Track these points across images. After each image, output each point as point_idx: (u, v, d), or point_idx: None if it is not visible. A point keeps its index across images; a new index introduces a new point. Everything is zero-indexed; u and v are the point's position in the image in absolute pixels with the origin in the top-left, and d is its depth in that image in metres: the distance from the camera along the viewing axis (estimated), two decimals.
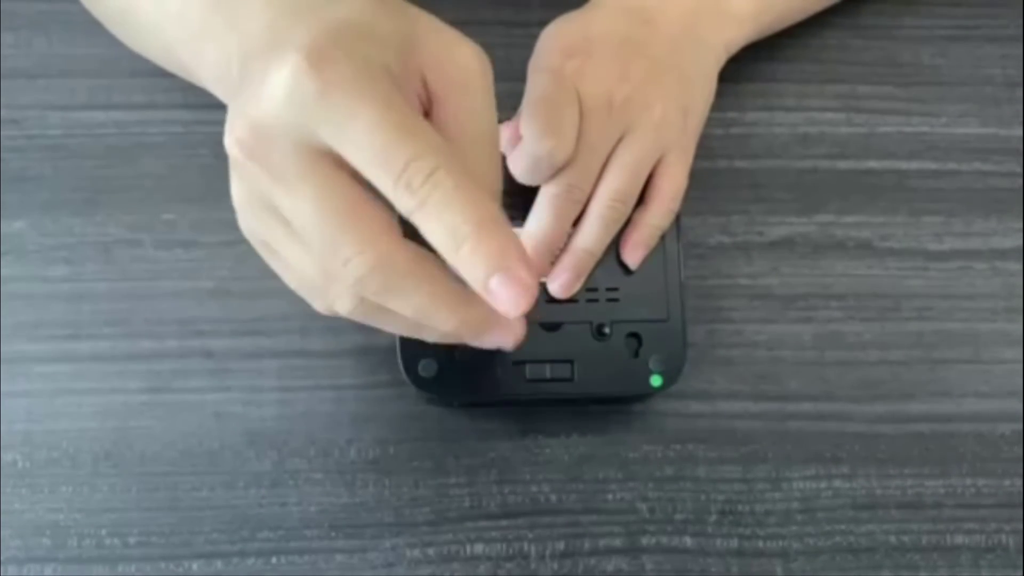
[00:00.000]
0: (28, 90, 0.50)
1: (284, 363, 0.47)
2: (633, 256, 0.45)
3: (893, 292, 0.50)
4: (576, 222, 0.45)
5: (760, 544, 0.46)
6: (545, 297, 0.45)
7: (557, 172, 0.44)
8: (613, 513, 0.46)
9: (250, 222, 0.34)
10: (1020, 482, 0.47)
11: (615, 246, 0.46)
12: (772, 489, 0.47)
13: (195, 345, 0.47)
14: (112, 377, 0.47)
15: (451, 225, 0.30)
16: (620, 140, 0.45)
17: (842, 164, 0.52)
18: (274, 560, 0.45)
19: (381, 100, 0.30)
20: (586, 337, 0.45)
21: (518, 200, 0.45)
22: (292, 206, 0.31)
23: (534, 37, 0.48)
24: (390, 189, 0.30)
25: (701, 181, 0.49)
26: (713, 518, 0.46)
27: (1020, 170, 0.52)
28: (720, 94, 0.49)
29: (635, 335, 0.45)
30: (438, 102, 0.33)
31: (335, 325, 0.46)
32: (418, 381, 0.44)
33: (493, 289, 0.30)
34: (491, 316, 0.34)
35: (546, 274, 0.45)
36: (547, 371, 0.44)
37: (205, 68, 0.38)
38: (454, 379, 0.44)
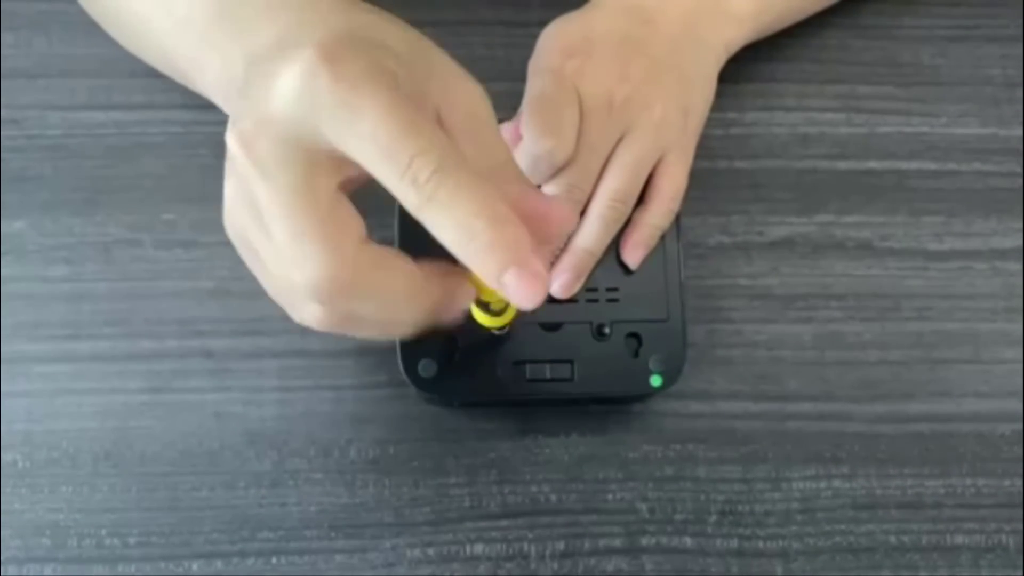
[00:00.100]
0: (28, 90, 0.50)
1: (284, 363, 0.47)
2: (633, 256, 0.45)
3: (893, 292, 0.50)
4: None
5: (760, 544, 0.46)
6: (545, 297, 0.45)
7: (557, 172, 0.44)
8: (613, 513, 0.46)
9: (234, 218, 0.34)
10: (1020, 482, 0.47)
11: (615, 246, 0.46)
12: (772, 489, 0.47)
13: (195, 345, 0.47)
14: (112, 377, 0.47)
15: (462, 220, 0.29)
16: (620, 140, 0.45)
17: (842, 164, 0.52)
18: (274, 560, 0.45)
19: (388, 97, 0.30)
20: (586, 337, 0.45)
21: None
22: (267, 197, 0.31)
23: (534, 37, 0.48)
24: (396, 184, 0.30)
25: (701, 181, 0.49)
26: (713, 518, 0.46)
27: (1020, 170, 0.52)
28: (720, 94, 0.49)
29: (635, 335, 0.45)
30: (454, 138, 0.33)
31: None
32: (418, 381, 0.44)
33: (508, 283, 0.30)
34: (449, 297, 0.34)
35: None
36: (547, 371, 0.44)
37: (208, 76, 0.38)
38: (454, 379, 0.44)
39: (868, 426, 0.48)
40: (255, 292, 0.47)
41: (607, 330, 0.45)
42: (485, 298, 0.37)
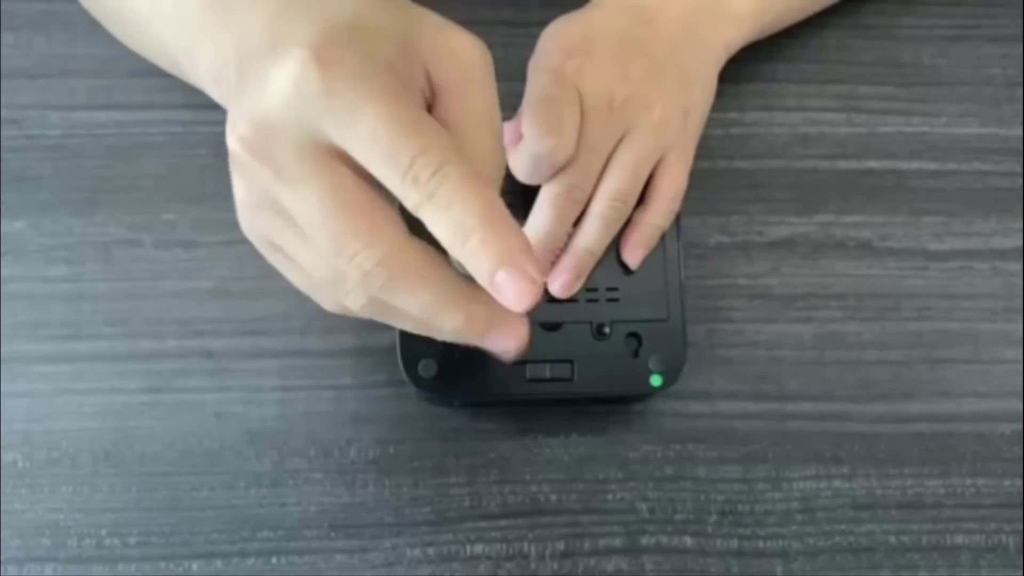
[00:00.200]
0: (28, 90, 0.50)
1: (284, 363, 0.47)
2: (633, 256, 0.45)
3: (893, 292, 0.50)
4: (576, 222, 0.45)
5: (760, 544, 0.46)
6: (545, 297, 0.45)
7: (558, 172, 0.44)
8: (613, 513, 0.46)
9: (253, 221, 0.34)
10: (1020, 482, 0.47)
11: (615, 246, 0.46)
12: (772, 489, 0.47)
13: (195, 345, 0.47)
14: (112, 377, 0.47)
15: (457, 219, 0.29)
16: (621, 140, 0.45)
17: (842, 164, 0.52)
18: (274, 560, 0.45)
19: (387, 96, 0.30)
20: (586, 337, 0.45)
21: (519, 200, 0.45)
22: (297, 203, 0.31)
23: (534, 37, 0.48)
24: (397, 184, 0.30)
25: (701, 181, 0.49)
26: (713, 518, 0.46)
27: (1020, 170, 0.52)
28: (720, 94, 0.49)
29: (635, 335, 0.45)
30: (441, 94, 0.33)
31: (335, 325, 0.46)
32: (418, 381, 0.44)
33: (499, 283, 0.30)
34: (497, 315, 0.33)
35: (546, 274, 0.44)
36: (547, 371, 0.44)
37: (201, 66, 0.38)
38: (454, 379, 0.44)
39: (868, 426, 0.48)
40: (255, 292, 0.48)
41: (607, 330, 0.45)
42: None
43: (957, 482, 0.47)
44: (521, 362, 0.44)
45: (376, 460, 0.46)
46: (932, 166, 0.52)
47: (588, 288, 0.45)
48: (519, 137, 0.44)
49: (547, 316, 0.45)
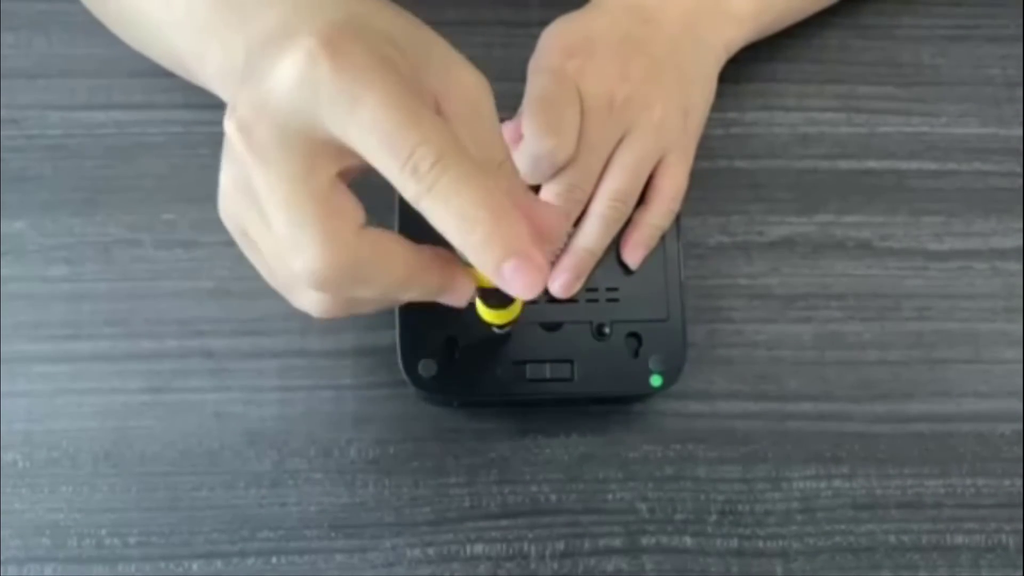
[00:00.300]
0: (28, 90, 0.50)
1: (284, 363, 0.47)
2: (633, 256, 0.45)
3: (893, 292, 0.50)
4: (577, 222, 0.45)
5: (760, 544, 0.46)
6: (545, 297, 0.45)
7: (558, 171, 0.44)
8: (613, 513, 0.46)
9: (230, 206, 0.34)
10: (1020, 482, 0.47)
11: (615, 246, 0.46)
12: (772, 489, 0.47)
13: (195, 345, 0.47)
14: (112, 377, 0.47)
15: (461, 210, 0.29)
16: (621, 140, 0.45)
17: (842, 164, 0.52)
18: (274, 560, 0.45)
19: (390, 87, 0.30)
20: (586, 337, 0.45)
21: None
22: (264, 184, 0.31)
23: (534, 37, 0.48)
24: (396, 174, 0.30)
25: (701, 181, 0.49)
26: (713, 518, 0.46)
27: (1020, 170, 0.52)
28: (720, 94, 0.49)
29: (635, 335, 0.45)
30: (451, 126, 0.33)
31: (335, 325, 0.46)
32: (418, 381, 0.44)
33: (507, 273, 0.30)
34: (447, 281, 0.34)
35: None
36: (547, 371, 0.44)
37: (210, 68, 0.38)
38: (454, 379, 0.44)
39: (868, 426, 0.48)
40: (255, 292, 0.48)
41: (607, 330, 0.45)
42: (482, 283, 0.37)
43: (957, 482, 0.47)
44: (521, 362, 0.44)
45: (376, 460, 0.46)
46: (932, 166, 0.52)
47: (588, 288, 0.45)
48: (519, 137, 0.44)
49: (547, 316, 0.45)
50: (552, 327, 0.45)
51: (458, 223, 0.30)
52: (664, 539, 0.46)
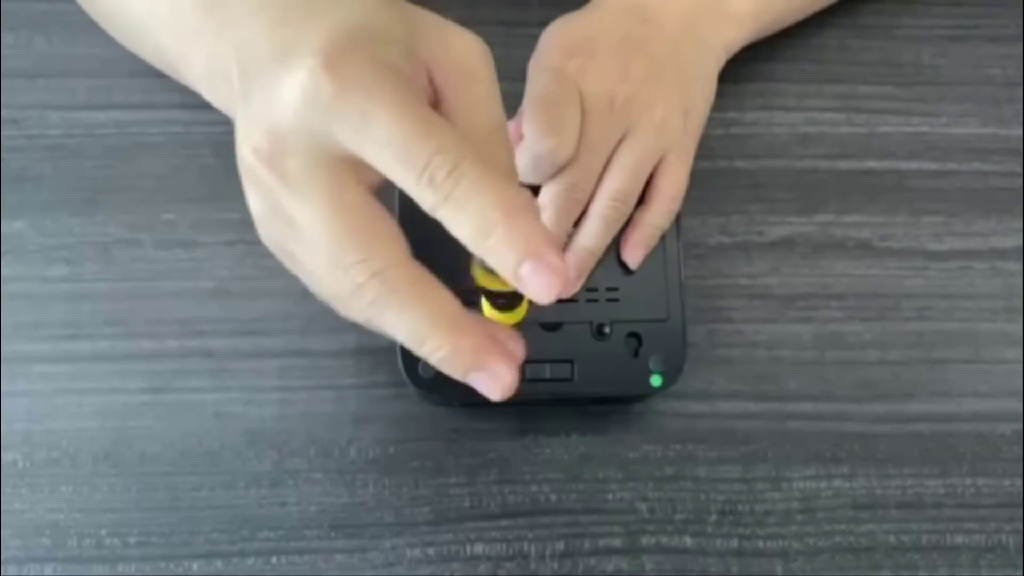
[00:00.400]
0: (28, 90, 0.50)
1: (284, 363, 0.47)
2: (633, 256, 0.45)
3: (893, 292, 0.50)
4: (577, 222, 0.45)
5: (760, 544, 0.46)
6: None
7: (559, 171, 0.44)
8: (613, 513, 0.46)
9: (267, 229, 0.34)
10: (1020, 482, 0.47)
11: (615, 246, 0.46)
12: (772, 489, 0.47)
13: (195, 345, 0.47)
14: (112, 377, 0.47)
15: (479, 214, 0.29)
16: (621, 140, 0.45)
17: (842, 164, 0.52)
18: (274, 560, 0.45)
19: (398, 98, 0.30)
20: (586, 337, 0.45)
21: None
22: (301, 212, 0.31)
23: (534, 37, 0.48)
24: (413, 185, 0.30)
25: (701, 181, 0.49)
26: (713, 518, 0.46)
27: (1020, 170, 0.52)
28: (720, 94, 0.49)
29: (635, 335, 0.45)
30: (444, 94, 0.33)
31: (335, 325, 0.46)
32: (418, 381, 0.44)
33: (524, 276, 0.30)
34: (484, 357, 0.33)
35: None
36: (547, 371, 0.44)
37: (196, 68, 0.38)
38: (454, 379, 0.44)
39: (868, 426, 0.48)
40: (255, 292, 0.48)
41: (607, 330, 0.45)
42: (488, 286, 0.37)
43: (957, 482, 0.47)
44: (521, 362, 0.44)
45: (376, 460, 0.46)
46: (932, 166, 0.52)
47: (588, 288, 0.45)
48: (520, 137, 0.44)
49: (547, 316, 0.45)
50: (552, 327, 0.45)
51: (474, 227, 0.29)
52: (664, 539, 0.46)
